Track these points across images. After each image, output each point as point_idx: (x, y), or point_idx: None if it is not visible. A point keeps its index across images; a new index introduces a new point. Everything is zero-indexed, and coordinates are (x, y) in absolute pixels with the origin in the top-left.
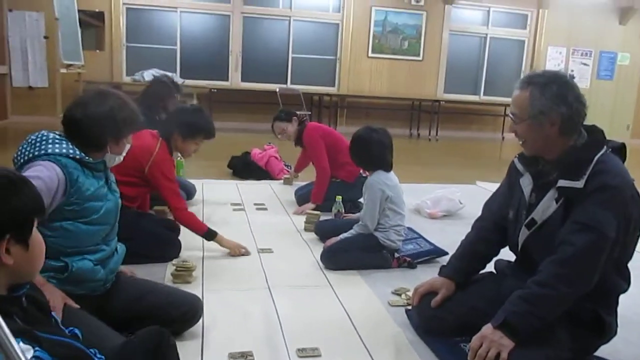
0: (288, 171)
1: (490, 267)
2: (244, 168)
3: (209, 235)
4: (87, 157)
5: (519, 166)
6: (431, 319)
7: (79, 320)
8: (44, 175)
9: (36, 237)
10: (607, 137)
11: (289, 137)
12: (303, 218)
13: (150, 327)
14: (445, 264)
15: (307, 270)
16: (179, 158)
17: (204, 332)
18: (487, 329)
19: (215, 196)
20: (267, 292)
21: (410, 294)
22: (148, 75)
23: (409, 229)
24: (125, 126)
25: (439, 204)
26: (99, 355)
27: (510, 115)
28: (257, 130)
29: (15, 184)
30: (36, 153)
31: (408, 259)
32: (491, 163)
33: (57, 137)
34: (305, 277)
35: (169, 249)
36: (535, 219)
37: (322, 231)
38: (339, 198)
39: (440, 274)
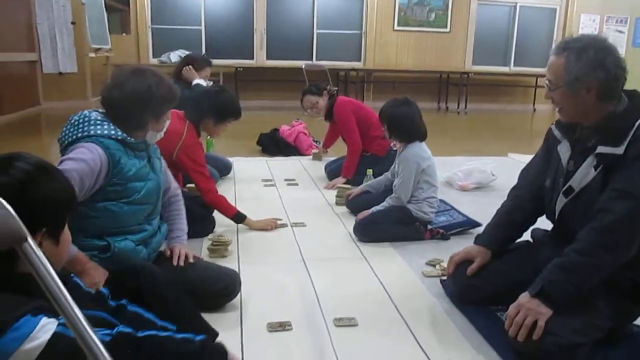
0: (317, 147)
1: (527, 236)
2: (273, 145)
3: (238, 218)
4: (129, 138)
5: (557, 133)
6: (467, 288)
7: None
8: (87, 158)
9: (66, 233)
10: None
11: (319, 111)
12: (334, 192)
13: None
14: (479, 234)
15: (341, 243)
16: (207, 137)
17: (242, 304)
18: (524, 297)
19: (246, 173)
20: (301, 265)
21: (444, 264)
22: (174, 56)
23: (441, 201)
24: (165, 103)
25: (471, 176)
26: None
27: (546, 81)
28: (284, 107)
29: (53, 176)
30: (79, 135)
31: (441, 230)
32: (523, 135)
33: (99, 118)
34: (339, 250)
35: (204, 225)
36: (573, 186)
37: (354, 205)
38: (369, 171)
39: (475, 242)
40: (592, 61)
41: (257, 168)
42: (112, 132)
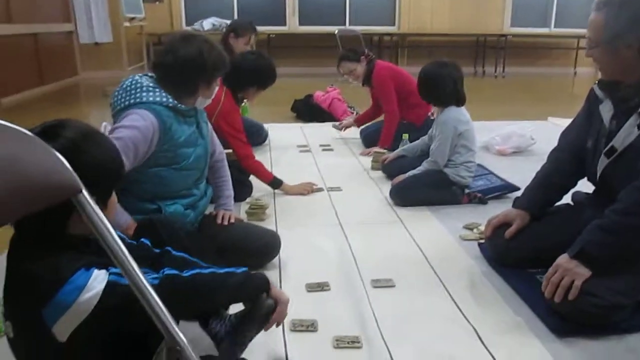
0: (351, 112)
1: (567, 199)
2: (308, 111)
3: (275, 183)
4: (179, 105)
5: (599, 92)
6: (505, 251)
7: None
8: (140, 125)
9: (113, 197)
10: None
11: (357, 77)
12: (370, 157)
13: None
14: (517, 197)
15: (377, 207)
16: (243, 103)
17: (281, 265)
18: (563, 258)
19: (281, 139)
20: (338, 228)
21: (482, 228)
22: (207, 24)
23: (479, 165)
24: (216, 69)
25: (509, 140)
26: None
27: (586, 39)
28: (318, 74)
29: (99, 143)
30: (132, 101)
31: (479, 194)
32: (563, 99)
33: (151, 84)
34: (375, 214)
35: (241, 190)
36: (615, 146)
37: (390, 169)
38: (405, 136)
39: (514, 205)
40: (633, 17)
41: (292, 134)
42: (164, 99)
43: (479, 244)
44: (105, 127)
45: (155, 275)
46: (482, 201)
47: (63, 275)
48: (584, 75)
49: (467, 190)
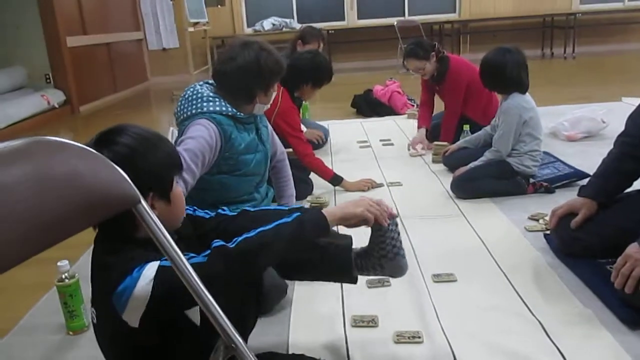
0: (412, 105)
1: (637, 186)
2: (368, 106)
3: (335, 180)
4: (238, 113)
5: None
6: (571, 241)
7: None
8: (205, 135)
9: (177, 191)
10: None
11: (425, 74)
12: (431, 150)
13: None
14: (582, 186)
15: (438, 200)
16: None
17: None
18: (633, 247)
19: (341, 135)
20: (399, 223)
21: (548, 219)
22: (267, 24)
23: (545, 153)
24: (273, 75)
25: (579, 124)
26: None
27: None
28: (377, 67)
29: (154, 144)
30: (194, 111)
31: (545, 183)
32: (638, 77)
33: (211, 94)
34: (437, 207)
35: (302, 188)
36: None
37: (451, 161)
38: (466, 127)
39: (579, 194)
40: None
41: (352, 130)
42: (224, 108)
43: (545, 235)
44: (172, 132)
45: (206, 253)
46: (549, 190)
47: (130, 267)
48: None
49: (532, 180)
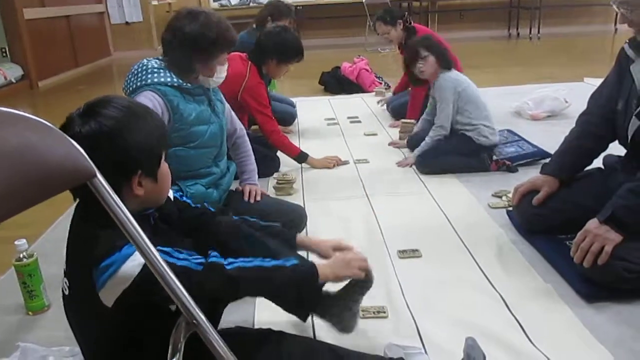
0: (380, 83)
1: (598, 163)
2: (336, 83)
3: (301, 157)
4: (185, 84)
5: (630, 52)
6: (533, 217)
7: None
8: (149, 107)
9: (164, 168)
10: None
11: (390, 41)
12: (397, 128)
13: None
14: (545, 163)
15: (405, 178)
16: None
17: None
18: (592, 223)
19: (308, 113)
20: (365, 200)
21: (510, 196)
22: None
23: (510, 131)
24: (214, 47)
25: (542, 104)
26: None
27: (621, 8)
28: (346, 45)
29: (143, 117)
30: (139, 84)
31: (508, 162)
32: (601, 58)
33: (156, 66)
34: (403, 185)
35: (269, 165)
36: None
37: (414, 143)
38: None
39: (542, 171)
40: None
41: (320, 107)
42: (168, 79)
43: (508, 212)
44: None
45: (200, 261)
46: (511, 169)
47: (117, 244)
48: (625, 32)
49: (495, 157)
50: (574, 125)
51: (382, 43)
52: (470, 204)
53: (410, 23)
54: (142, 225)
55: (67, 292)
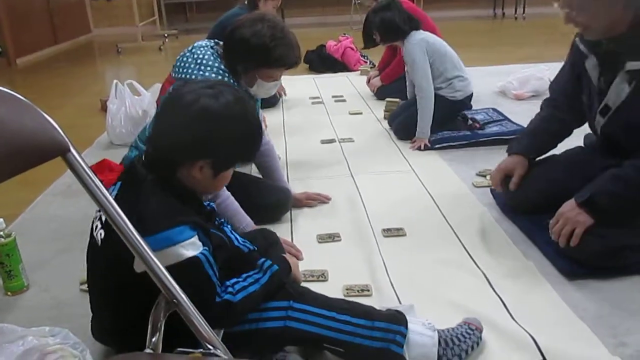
0: (365, 61)
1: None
2: (320, 61)
3: None
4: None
5: (582, 47)
6: (515, 196)
7: None
8: None
9: (228, 173)
10: None
11: None
12: (382, 107)
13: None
14: (510, 144)
15: (389, 156)
16: None
17: (292, 217)
18: (567, 205)
19: (293, 91)
20: (350, 179)
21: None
22: None
23: (494, 110)
24: (253, 56)
25: (527, 84)
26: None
27: (565, 8)
28: (331, 23)
29: (252, 136)
30: (199, 77)
31: (477, 124)
32: None
33: (222, 68)
34: (387, 163)
35: None
36: (609, 104)
37: (397, 126)
38: None
39: (509, 151)
40: None
41: (305, 86)
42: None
43: (491, 191)
44: (116, 85)
45: (220, 290)
46: (482, 128)
47: (172, 221)
48: None
49: (469, 122)
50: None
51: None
52: (455, 183)
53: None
54: (198, 209)
55: (99, 239)
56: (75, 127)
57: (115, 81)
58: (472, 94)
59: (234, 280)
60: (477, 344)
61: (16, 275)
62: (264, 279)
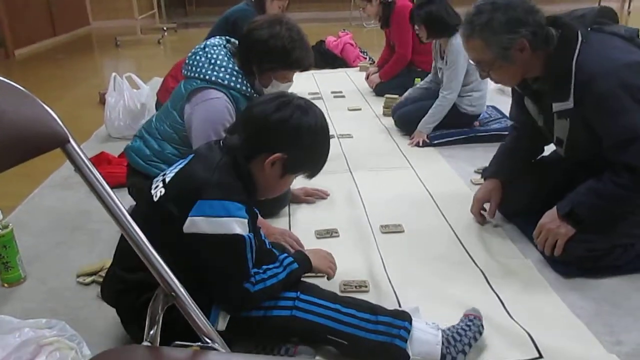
0: (364, 58)
1: None
2: (320, 57)
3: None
4: (255, 94)
5: (516, 87)
6: (508, 204)
7: None
8: (227, 116)
9: (290, 179)
10: None
11: (369, 15)
12: (381, 103)
13: None
14: (485, 168)
15: (388, 152)
16: None
17: (290, 212)
18: (547, 217)
19: (292, 87)
20: (348, 175)
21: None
22: None
23: (494, 108)
24: (272, 58)
25: None
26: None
27: (476, 64)
28: (331, 18)
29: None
30: (213, 78)
31: (477, 123)
32: None
33: (236, 69)
34: (386, 159)
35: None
36: (561, 137)
37: (401, 118)
38: (417, 80)
39: (483, 174)
40: (507, 24)
41: (304, 81)
42: (244, 87)
43: None
44: (114, 78)
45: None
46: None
47: (233, 196)
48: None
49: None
50: None
51: (367, 18)
52: (453, 180)
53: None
54: (248, 188)
55: (158, 195)
56: (73, 120)
57: (113, 74)
58: (483, 112)
59: (254, 270)
60: (480, 332)
61: (13, 266)
62: (282, 274)
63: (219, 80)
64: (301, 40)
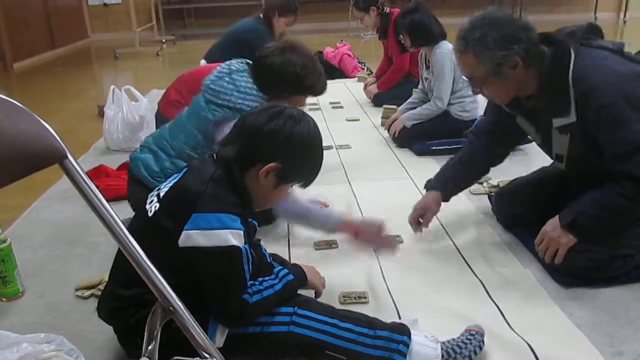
0: (362, 68)
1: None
2: None
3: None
4: None
5: (506, 108)
6: (511, 218)
7: None
8: None
9: (285, 190)
10: None
11: (366, 26)
12: (379, 114)
13: None
14: (429, 179)
15: (386, 163)
16: None
17: (289, 224)
18: (549, 225)
19: None
20: (347, 186)
21: (492, 182)
22: None
23: None
24: (280, 84)
25: None
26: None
27: (468, 80)
28: (328, 29)
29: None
30: (244, 107)
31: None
32: None
33: (260, 95)
34: (384, 170)
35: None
36: (560, 153)
37: (402, 139)
38: (415, 90)
39: (426, 186)
40: (501, 41)
41: None
42: None
43: (489, 198)
44: (113, 90)
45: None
46: None
47: (227, 208)
48: (605, 20)
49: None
50: None
51: (365, 28)
52: None
53: (384, 10)
54: (244, 200)
55: (152, 211)
56: (72, 132)
57: (112, 87)
58: (477, 118)
59: (250, 282)
60: (480, 347)
61: (11, 281)
62: (278, 285)
63: (247, 109)
64: (313, 67)
